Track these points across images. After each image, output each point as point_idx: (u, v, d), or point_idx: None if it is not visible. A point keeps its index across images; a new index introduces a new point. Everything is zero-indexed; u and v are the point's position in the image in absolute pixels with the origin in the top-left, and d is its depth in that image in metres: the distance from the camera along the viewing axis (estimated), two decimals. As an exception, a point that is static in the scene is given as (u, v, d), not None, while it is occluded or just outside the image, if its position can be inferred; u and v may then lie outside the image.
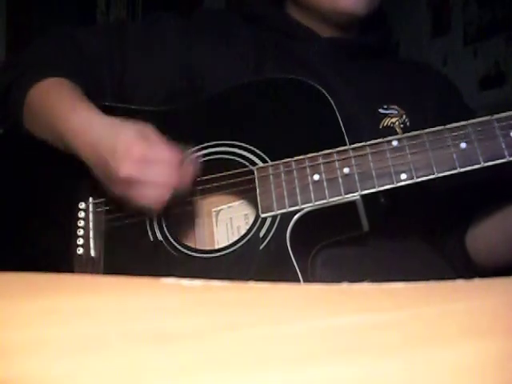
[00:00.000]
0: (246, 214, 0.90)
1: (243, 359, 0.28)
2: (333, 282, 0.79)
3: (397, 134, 0.96)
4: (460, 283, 0.39)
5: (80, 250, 0.88)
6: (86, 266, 0.87)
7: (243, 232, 0.87)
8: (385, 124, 0.97)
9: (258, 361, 0.27)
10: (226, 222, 0.91)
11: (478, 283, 0.38)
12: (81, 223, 0.90)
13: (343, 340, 0.29)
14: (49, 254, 0.90)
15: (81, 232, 0.89)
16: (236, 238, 0.87)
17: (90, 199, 0.90)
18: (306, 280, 0.79)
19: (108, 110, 0.95)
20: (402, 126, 0.97)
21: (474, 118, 0.90)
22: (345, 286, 0.39)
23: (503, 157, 0.80)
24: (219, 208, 0.91)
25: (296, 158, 0.85)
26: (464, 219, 0.98)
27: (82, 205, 0.91)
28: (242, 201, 0.91)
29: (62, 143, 0.86)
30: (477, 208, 0.95)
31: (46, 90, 0.90)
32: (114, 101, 0.96)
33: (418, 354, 0.28)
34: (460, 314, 0.32)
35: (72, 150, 0.85)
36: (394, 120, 0.97)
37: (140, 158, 0.79)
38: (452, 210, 0.99)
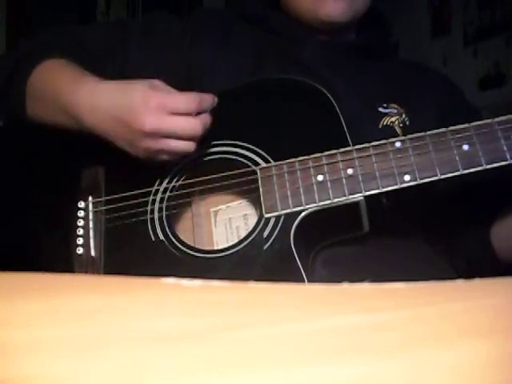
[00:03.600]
0: (245, 215, 0.90)
1: (243, 359, 0.28)
2: (333, 281, 0.79)
3: (396, 133, 0.96)
4: (460, 283, 0.39)
5: (80, 250, 0.88)
6: (86, 266, 0.87)
7: (242, 232, 0.87)
8: (384, 123, 0.97)
9: (258, 361, 0.27)
10: (224, 223, 0.91)
11: (478, 283, 0.38)
12: (80, 222, 0.89)
13: (343, 340, 0.29)
14: (49, 253, 0.90)
15: (80, 231, 0.89)
16: (235, 238, 0.87)
17: (90, 198, 0.90)
18: (312, 280, 0.79)
19: None
20: (401, 125, 0.97)
21: (478, 116, 0.91)
22: (345, 286, 0.39)
23: (505, 159, 0.80)
24: (218, 208, 0.91)
25: (299, 158, 0.85)
26: (488, 217, 0.97)
27: (82, 204, 0.90)
28: (240, 201, 0.91)
29: (68, 119, 0.85)
30: (501, 204, 0.95)
31: (47, 70, 0.89)
32: None
33: (418, 354, 0.28)
34: (460, 314, 0.32)
35: (81, 123, 0.84)
36: (393, 119, 0.97)
37: (160, 109, 0.79)
38: (474, 208, 0.99)
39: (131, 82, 0.83)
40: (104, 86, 0.83)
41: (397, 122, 0.97)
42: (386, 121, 0.97)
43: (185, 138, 0.81)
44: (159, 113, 0.79)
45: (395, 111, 0.98)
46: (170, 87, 0.82)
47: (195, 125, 0.81)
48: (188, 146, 0.82)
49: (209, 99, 0.84)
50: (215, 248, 0.89)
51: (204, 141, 0.89)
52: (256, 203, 0.88)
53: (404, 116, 0.98)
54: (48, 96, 0.88)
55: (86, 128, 0.84)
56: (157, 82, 0.82)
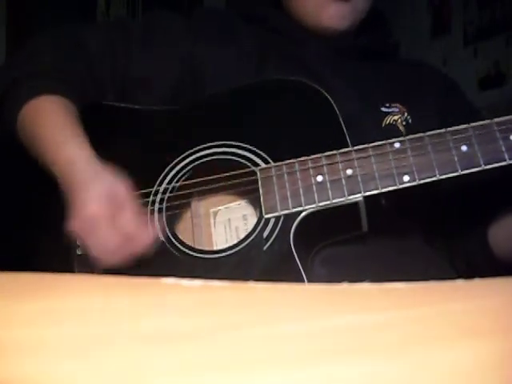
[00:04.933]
0: (244, 215, 0.90)
1: (243, 359, 0.28)
2: (331, 281, 0.79)
3: (399, 131, 0.96)
4: (460, 283, 0.39)
5: (80, 251, 0.88)
6: (87, 267, 0.87)
7: (241, 233, 0.87)
8: (387, 122, 0.97)
9: (258, 361, 0.27)
10: (224, 223, 0.91)
11: (477, 283, 0.38)
12: None
13: (343, 340, 0.29)
14: (49, 254, 0.90)
15: None
16: (234, 239, 0.87)
17: None
18: (311, 280, 0.79)
19: (108, 110, 0.95)
20: (404, 123, 0.97)
21: (477, 115, 0.91)
22: (345, 286, 0.39)
23: (503, 160, 0.81)
24: (217, 209, 0.91)
25: (299, 159, 0.85)
26: (486, 217, 0.97)
27: None
28: (240, 202, 0.91)
29: (47, 170, 0.86)
30: (499, 205, 0.95)
31: (38, 112, 0.89)
32: (116, 100, 0.96)
33: (418, 354, 0.28)
34: (460, 314, 0.32)
35: (56, 176, 0.84)
36: (396, 118, 0.97)
37: (85, 221, 0.78)
38: (472, 207, 0.99)
39: (99, 177, 0.81)
40: (79, 166, 0.82)
41: (399, 121, 0.97)
42: (389, 120, 0.97)
43: (102, 253, 0.79)
44: (83, 222, 0.78)
45: (397, 110, 0.98)
46: (128, 197, 0.81)
47: (116, 246, 0.78)
48: (104, 259, 0.79)
49: (138, 247, 0.80)
50: (214, 248, 0.89)
51: (203, 141, 0.89)
52: (255, 204, 0.88)
53: (406, 115, 0.98)
54: (33, 143, 0.88)
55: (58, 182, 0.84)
56: (118, 190, 0.80)
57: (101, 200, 0.79)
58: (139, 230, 0.80)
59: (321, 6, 0.98)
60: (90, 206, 0.78)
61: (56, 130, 0.87)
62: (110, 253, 0.79)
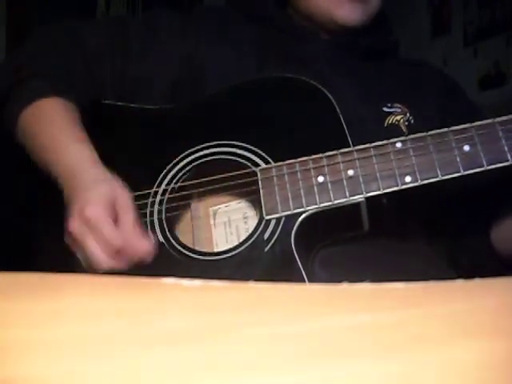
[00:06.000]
0: (244, 214, 0.90)
1: (243, 359, 0.28)
2: (331, 281, 0.79)
3: (402, 131, 0.96)
4: (460, 283, 0.39)
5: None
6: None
7: (242, 232, 0.86)
8: (390, 122, 0.97)
9: (258, 361, 0.27)
10: (224, 223, 0.90)
11: (478, 283, 0.38)
12: None
13: (343, 340, 0.29)
14: (49, 254, 0.90)
15: None
16: (234, 238, 0.86)
17: None
18: (311, 281, 0.79)
19: (108, 109, 0.95)
20: (406, 123, 0.97)
21: (479, 114, 0.90)
22: (345, 286, 0.39)
23: (506, 160, 0.80)
24: (217, 208, 0.91)
25: (300, 159, 0.84)
26: (489, 217, 0.97)
27: None
28: (239, 200, 0.90)
29: (48, 172, 0.86)
30: (502, 203, 0.95)
31: (39, 115, 0.88)
32: (115, 98, 0.96)
33: (418, 354, 0.28)
34: (460, 314, 0.32)
35: (54, 178, 0.84)
36: (398, 118, 0.97)
37: (86, 221, 0.77)
38: (475, 207, 0.99)
39: (101, 182, 0.80)
40: (83, 171, 0.82)
41: (402, 121, 0.97)
42: (391, 119, 0.97)
43: (94, 256, 0.77)
44: (81, 224, 0.77)
45: (399, 110, 0.98)
46: (129, 206, 0.79)
47: (106, 252, 0.76)
48: (96, 263, 0.77)
49: (138, 254, 0.77)
50: (215, 249, 0.88)
51: (203, 141, 0.89)
52: (256, 204, 0.87)
53: (408, 115, 0.98)
54: (35, 147, 0.87)
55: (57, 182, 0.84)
56: (119, 197, 0.79)
57: (102, 203, 0.78)
58: (138, 237, 0.78)
59: (335, 4, 0.98)
60: (90, 207, 0.77)
61: (58, 133, 0.86)
62: (107, 257, 0.77)
